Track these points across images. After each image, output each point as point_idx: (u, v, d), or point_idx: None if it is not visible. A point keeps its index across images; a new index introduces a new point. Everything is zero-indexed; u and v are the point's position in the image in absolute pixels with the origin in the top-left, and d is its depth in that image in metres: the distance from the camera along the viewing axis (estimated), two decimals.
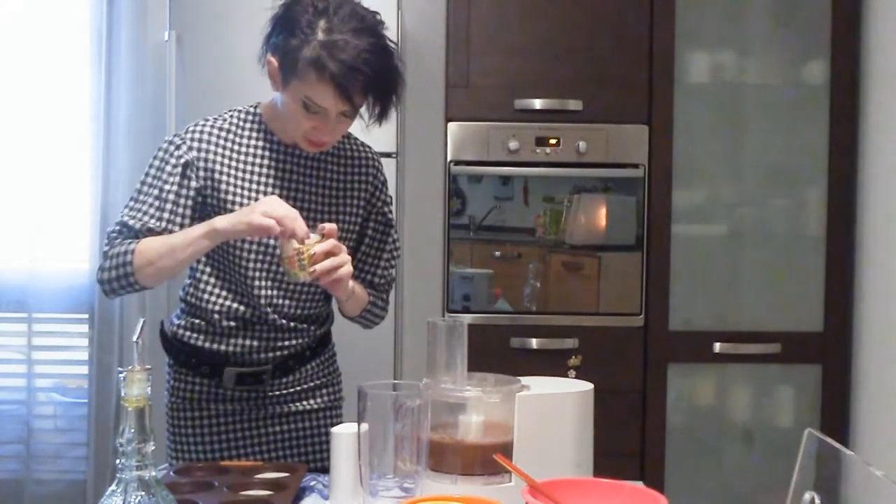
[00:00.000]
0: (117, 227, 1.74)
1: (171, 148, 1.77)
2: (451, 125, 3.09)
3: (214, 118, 1.82)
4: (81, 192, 3.43)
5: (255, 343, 1.82)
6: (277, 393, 1.86)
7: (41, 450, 3.47)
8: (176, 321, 1.86)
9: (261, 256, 1.77)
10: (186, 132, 1.79)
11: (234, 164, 1.78)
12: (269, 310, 1.80)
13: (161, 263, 1.67)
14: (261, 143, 1.80)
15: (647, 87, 3.08)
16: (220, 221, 1.64)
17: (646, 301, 3.10)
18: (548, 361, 3.04)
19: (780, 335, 3.11)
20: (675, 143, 3.08)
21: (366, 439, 1.38)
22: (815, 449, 1.07)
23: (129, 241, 1.71)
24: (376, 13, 1.72)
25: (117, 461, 1.03)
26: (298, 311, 1.84)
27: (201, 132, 1.78)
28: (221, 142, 1.78)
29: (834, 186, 3.10)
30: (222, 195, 1.76)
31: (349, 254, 1.71)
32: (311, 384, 1.91)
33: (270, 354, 1.83)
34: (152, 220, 1.72)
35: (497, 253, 3.11)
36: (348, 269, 1.68)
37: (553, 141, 3.07)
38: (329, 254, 1.64)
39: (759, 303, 3.14)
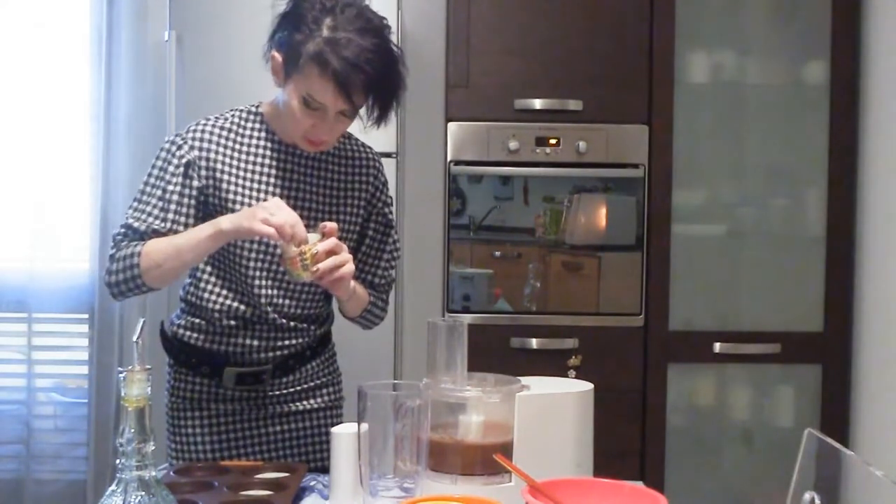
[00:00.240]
0: (122, 230, 1.74)
1: (173, 148, 1.77)
2: (451, 125, 3.09)
3: (216, 117, 1.82)
4: (81, 192, 3.43)
5: (256, 343, 1.82)
6: (277, 393, 1.86)
7: (41, 450, 3.47)
8: (176, 321, 1.86)
9: (261, 256, 1.77)
10: (188, 132, 1.79)
11: (235, 163, 1.78)
12: (269, 309, 1.80)
13: (168, 265, 1.68)
14: (262, 143, 1.81)
15: (647, 87, 3.08)
16: (225, 222, 1.64)
17: (646, 301, 3.10)
18: (548, 361, 3.04)
19: (780, 335, 3.11)
20: (675, 143, 3.08)
21: (366, 439, 1.38)
22: (815, 449, 1.07)
23: (135, 243, 1.71)
24: (384, 17, 1.72)
25: (117, 461, 1.03)
26: (299, 311, 1.84)
27: (203, 131, 1.79)
28: (223, 141, 1.78)
29: (834, 186, 3.09)
30: (224, 194, 1.76)
31: (349, 254, 1.71)
32: (312, 384, 1.91)
33: (271, 354, 1.83)
34: (157, 222, 1.72)
35: (497, 253, 3.11)
36: (350, 267, 1.68)
37: (553, 141, 3.07)
38: (331, 252, 1.64)
39: (759, 303, 3.13)
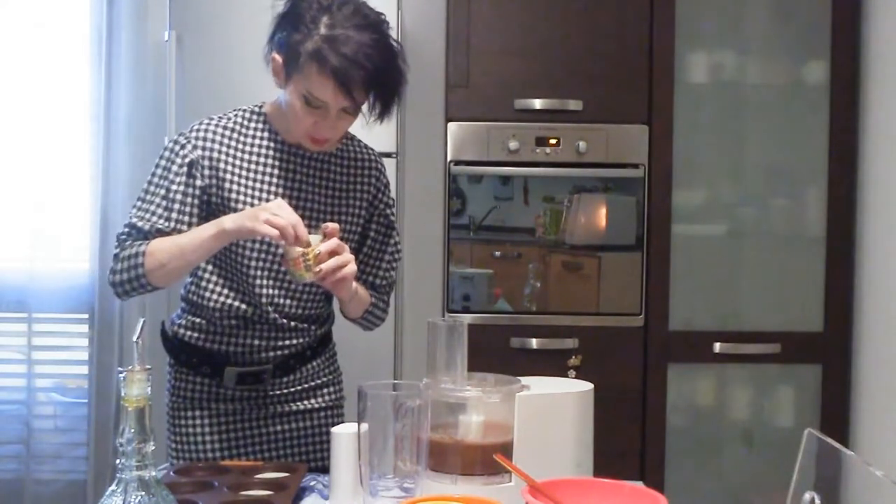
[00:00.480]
0: (126, 230, 1.74)
1: (177, 147, 1.77)
2: (451, 125, 3.09)
3: (219, 117, 1.82)
4: (81, 192, 3.43)
5: (256, 342, 1.82)
6: (278, 392, 1.87)
7: (41, 450, 3.47)
8: (177, 321, 1.87)
9: (263, 255, 1.77)
10: (191, 131, 1.79)
11: (238, 162, 1.78)
12: (270, 309, 1.80)
13: (172, 265, 1.68)
14: (265, 143, 1.81)
15: (647, 87, 3.08)
16: (228, 222, 1.64)
17: (646, 301, 3.10)
18: (548, 361, 3.04)
19: (780, 335, 3.11)
20: (675, 143, 3.08)
21: (366, 439, 1.38)
22: (815, 449, 1.07)
23: (139, 242, 1.71)
24: (381, 13, 1.72)
25: (117, 461, 1.03)
26: (300, 311, 1.84)
27: (206, 131, 1.79)
28: (226, 140, 1.79)
29: (834, 186, 3.09)
30: (227, 194, 1.76)
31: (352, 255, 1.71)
32: (312, 384, 1.91)
33: (271, 354, 1.83)
34: (161, 221, 1.72)
35: (497, 253, 3.11)
36: (352, 267, 1.68)
37: (553, 141, 3.07)
38: (333, 253, 1.65)
39: (759, 303, 3.13)
